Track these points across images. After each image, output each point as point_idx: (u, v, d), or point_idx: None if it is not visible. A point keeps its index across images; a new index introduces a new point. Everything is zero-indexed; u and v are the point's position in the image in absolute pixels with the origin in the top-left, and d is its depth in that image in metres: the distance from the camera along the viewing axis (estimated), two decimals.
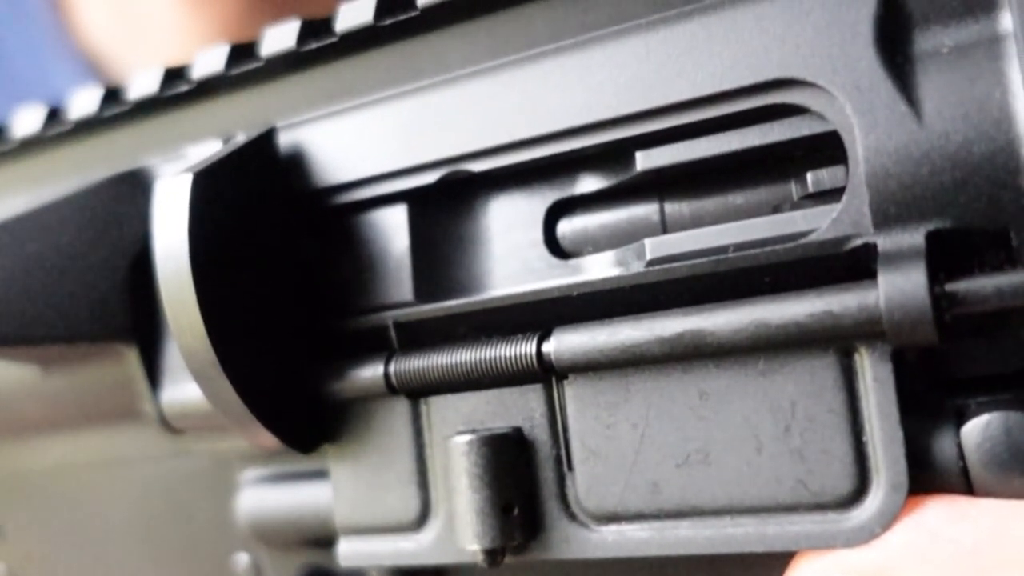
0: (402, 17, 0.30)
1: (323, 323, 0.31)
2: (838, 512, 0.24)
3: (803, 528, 0.24)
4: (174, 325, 0.28)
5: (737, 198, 0.27)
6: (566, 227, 0.29)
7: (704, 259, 0.25)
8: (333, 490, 0.31)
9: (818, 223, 0.24)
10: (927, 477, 0.23)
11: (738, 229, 0.26)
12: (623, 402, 0.26)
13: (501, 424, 0.28)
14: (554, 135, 0.27)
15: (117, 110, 0.36)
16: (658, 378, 0.26)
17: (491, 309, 0.28)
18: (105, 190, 0.35)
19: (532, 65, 0.28)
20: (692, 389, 0.25)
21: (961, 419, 0.23)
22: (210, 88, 0.34)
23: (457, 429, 0.29)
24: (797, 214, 0.25)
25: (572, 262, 0.28)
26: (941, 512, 0.22)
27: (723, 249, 0.25)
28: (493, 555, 0.27)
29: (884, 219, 0.23)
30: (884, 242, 0.23)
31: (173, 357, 0.34)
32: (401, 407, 0.30)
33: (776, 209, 0.26)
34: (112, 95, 0.37)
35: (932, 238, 0.22)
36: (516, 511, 0.27)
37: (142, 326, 0.34)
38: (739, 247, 0.25)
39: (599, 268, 0.28)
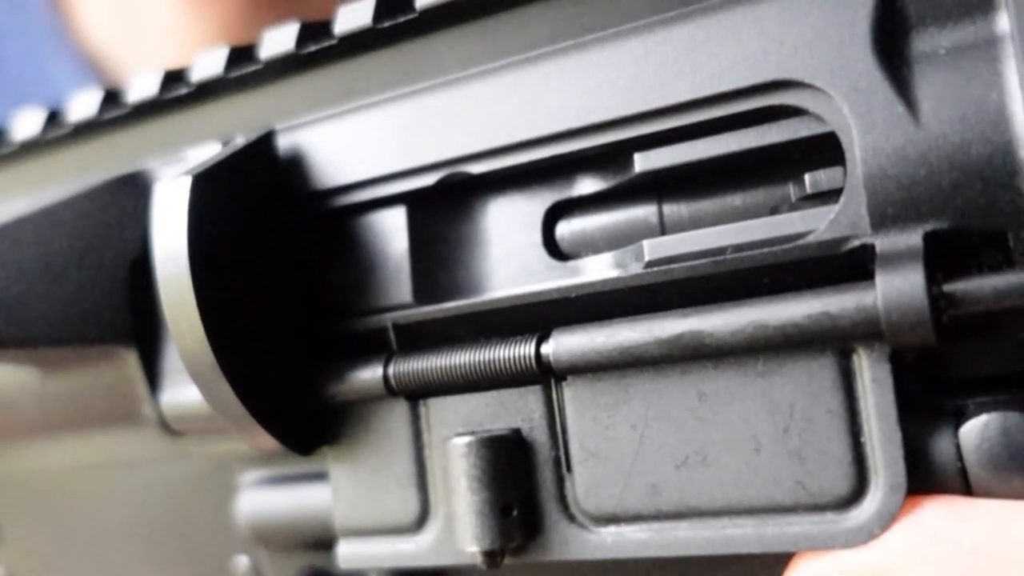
0: (401, 19, 0.30)
1: (322, 325, 0.31)
2: (837, 513, 0.24)
3: (802, 529, 0.24)
4: (173, 327, 0.28)
5: (735, 199, 0.27)
6: (565, 229, 0.29)
7: (702, 260, 0.25)
8: (332, 492, 0.31)
9: (816, 224, 0.24)
10: (925, 478, 0.23)
11: (736, 230, 0.26)
12: (622, 403, 0.26)
13: (500, 426, 0.28)
14: (553, 137, 0.27)
15: (116, 113, 0.36)
16: (657, 379, 0.26)
17: (490, 311, 0.28)
18: (105, 193, 0.35)
19: (531, 67, 0.28)
20: (691, 390, 0.25)
21: (959, 420, 0.23)
22: (209, 91, 0.34)
23: (456, 431, 0.29)
24: (795, 215, 0.25)
25: (571, 264, 0.28)
26: (939, 513, 0.22)
27: (721, 250, 0.25)
28: (492, 556, 0.27)
29: (882, 220, 0.23)
30: (882, 243, 0.23)
31: (173, 359, 0.34)
32: (400, 409, 0.30)
33: (774, 210, 0.26)
34: (111, 98, 0.37)
35: (930, 239, 0.22)
36: (515, 512, 0.27)
37: (142, 328, 0.34)
38: (737, 248, 0.25)
39: (598, 269, 0.28)
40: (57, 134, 0.38)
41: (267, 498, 0.34)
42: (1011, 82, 0.22)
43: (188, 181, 0.28)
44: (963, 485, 0.23)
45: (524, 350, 0.27)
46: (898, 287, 0.22)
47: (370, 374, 0.29)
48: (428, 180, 0.29)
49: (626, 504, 0.26)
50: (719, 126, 0.26)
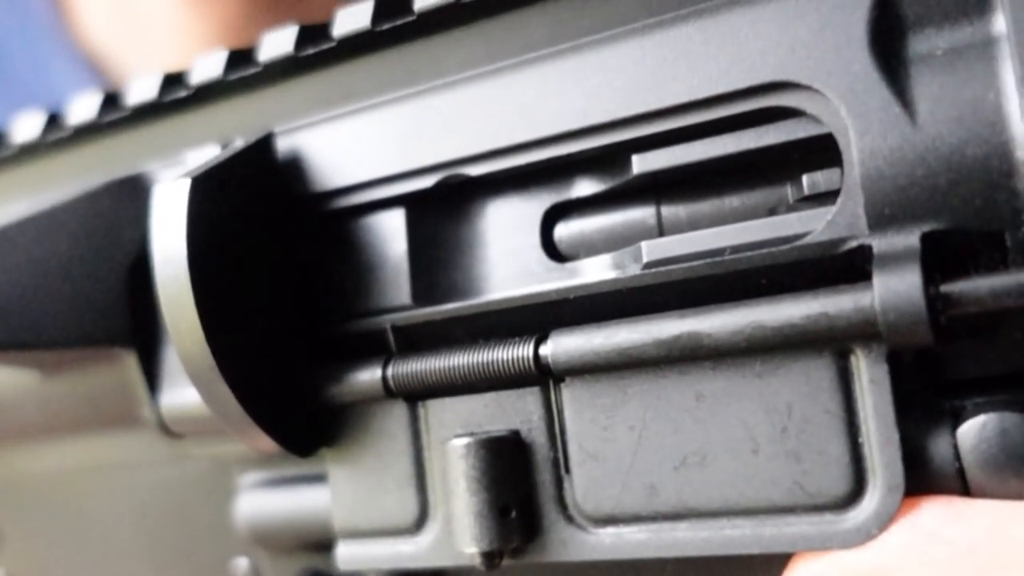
0: (399, 22, 0.30)
1: (321, 327, 0.31)
2: (835, 513, 0.24)
3: (800, 529, 0.24)
4: (172, 329, 0.28)
5: (733, 201, 0.27)
6: (563, 230, 0.29)
7: (700, 261, 0.25)
8: (331, 494, 0.31)
9: (814, 225, 0.24)
10: (923, 478, 0.23)
11: (734, 231, 0.26)
12: (620, 404, 0.26)
13: (499, 427, 0.28)
14: (551, 139, 0.28)
15: (116, 116, 0.36)
16: (655, 380, 0.26)
17: (488, 312, 0.28)
18: (104, 195, 0.35)
19: (529, 69, 0.28)
20: (689, 391, 0.25)
21: (957, 420, 0.23)
22: (208, 93, 0.34)
23: (455, 432, 0.29)
24: (793, 216, 0.25)
25: (569, 265, 0.29)
26: (937, 513, 0.22)
27: (719, 251, 0.25)
28: (491, 557, 0.27)
29: (879, 221, 0.23)
30: (879, 244, 0.23)
31: (172, 361, 0.34)
32: (399, 410, 0.30)
33: (772, 211, 0.26)
34: (111, 101, 0.37)
35: (927, 240, 0.22)
36: (514, 514, 0.27)
37: (141, 331, 0.34)
38: (735, 249, 0.25)
39: (596, 271, 0.28)
40: (57, 137, 0.38)
41: (266, 500, 0.34)
42: (1007, 83, 0.22)
43: (187, 183, 0.28)
44: (961, 486, 0.23)
45: (522, 351, 0.27)
46: (895, 288, 0.22)
47: (369, 376, 0.29)
48: (427, 182, 0.29)
49: (624, 505, 0.26)
50: (717, 128, 0.26)
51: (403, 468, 0.30)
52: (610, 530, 0.27)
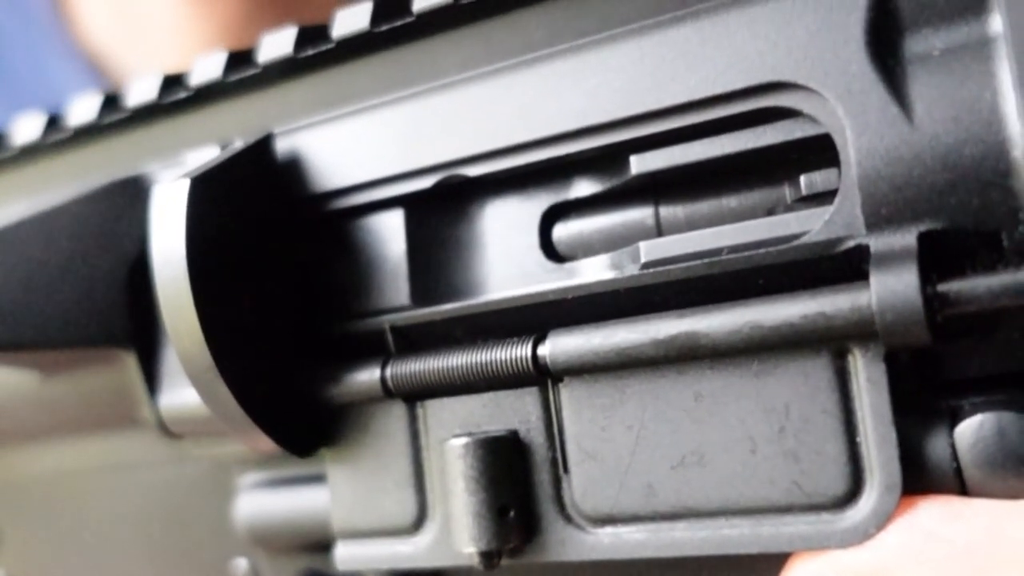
0: (398, 23, 0.30)
1: (320, 327, 0.31)
2: (832, 513, 0.24)
3: (797, 529, 0.24)
4: (172, 330, 0.28)
5: (731, 201, 0.27)
6: (562, 231, 0.29)
7: (698, 262, 0.25)
8: (330, 494, 0.31)
9: (811, 225, 0.24)
10: (921, 478, 0.23)
11: (732, 232, 0.26)
12: (618, 404, 0.26)
13: (497, 427, 0.28)
14: (549, 139, 0.28)
15: (115, 117, 0.36)
16: (653, 380, 0.26)
17: (487, 313, 0.28)
18: (104, 196, 0.35)
19: (527, 70, 0.28)
20: (687, 391, 0.25)
21: (955, 420, 0.23)
22: (208, 95, 0.34)
23: (453, 432, 0.29)
24: (790, 216, 0.25)
25: (568, 265, 0.29)
26: (935, 512, 0.23)
27: (717, 252, 0.25)
28: (489, 557, 0.27)
29: (876, 221, 0.23)
30: (876, 243, 0.23)
31: (171, 362, 0.34)
32: (398, 411, 0.30)
33: (770, 212, 0.26)
34: (111, 102, 0.37)
35: (924, 239, 0.22)
36: (512, 514, 0.27)
37: (140, 331, 0.34)
38: (733, 249, 0.25)
39: (594, 271, 0.28)
40: (56, 138, 0.38)
41: (265, 500, 0.34)
42: (1004, 83, 0.22)
43: (186, 184, 0.28)
44: (958, 485, 0.23)
45: (521, 352, 0.27)
46: (892, 287, 0.22)
47: (368, 376, 0.29)
48: (425, 183, 0.29)
49: (623, 505, 0.26)
50: (715, 128, 0.26)
51: (402, 468, 0.30)
52: (608, 530, 0.27)
